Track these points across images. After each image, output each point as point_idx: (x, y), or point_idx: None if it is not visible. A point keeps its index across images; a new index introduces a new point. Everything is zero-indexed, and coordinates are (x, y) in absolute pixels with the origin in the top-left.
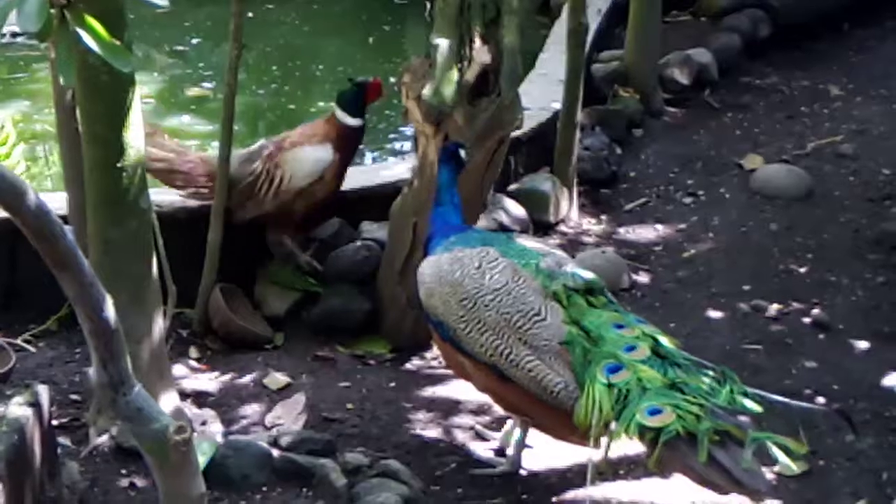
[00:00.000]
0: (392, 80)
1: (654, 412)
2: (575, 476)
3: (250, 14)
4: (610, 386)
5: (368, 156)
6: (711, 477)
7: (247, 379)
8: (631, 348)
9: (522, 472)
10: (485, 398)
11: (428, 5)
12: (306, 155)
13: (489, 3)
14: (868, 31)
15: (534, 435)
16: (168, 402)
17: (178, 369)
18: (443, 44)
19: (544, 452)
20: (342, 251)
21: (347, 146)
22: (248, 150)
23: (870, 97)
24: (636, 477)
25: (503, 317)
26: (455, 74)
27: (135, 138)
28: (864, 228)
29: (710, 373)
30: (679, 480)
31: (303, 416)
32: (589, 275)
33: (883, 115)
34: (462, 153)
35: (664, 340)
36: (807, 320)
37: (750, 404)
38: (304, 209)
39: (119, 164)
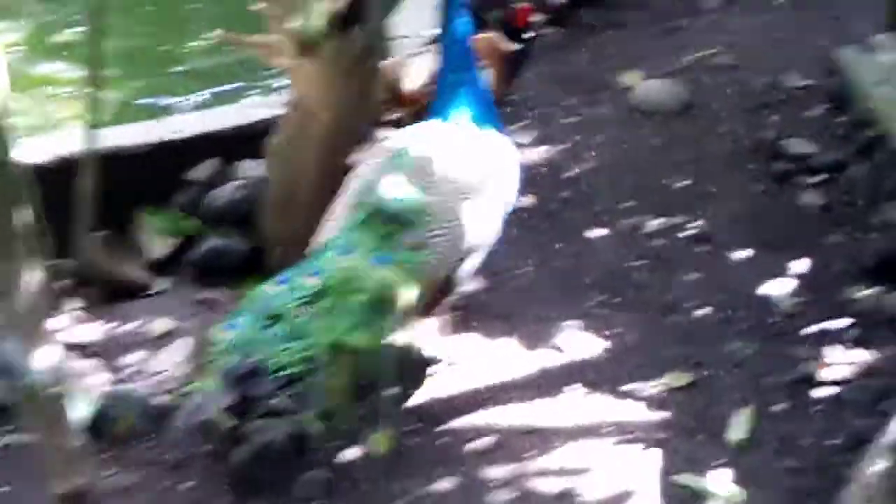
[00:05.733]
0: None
1: None
2: None
3: None
4: None
5: (246, 95)
6: None
7: (130, 327)
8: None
9: None
10: None
11: None
12: None
13: None
14: None
15: None
16: (48, 354)
17: (59, 321)
18: None
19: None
20: (220, 191)
21: (510, 68)
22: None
23: (744, 9)
24: (528, 400)
25: None
26: (323, 4)
27: None
28: (742, 139)
29: None
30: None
31: (187, 361)
32: (402, 203)
33: (757, 27)
34: None
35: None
36: (688, 234)
37: None
38: None
39: None
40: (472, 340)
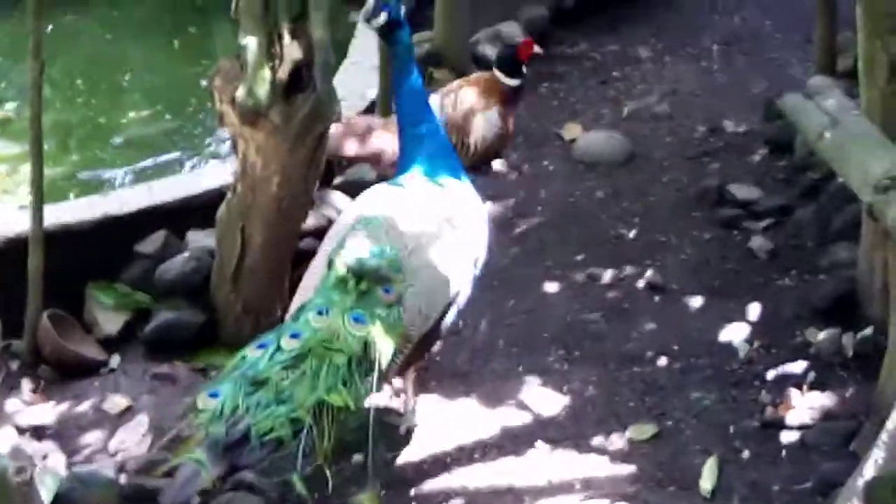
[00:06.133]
0: (203, 83)
1: None
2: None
3: (49, 27)
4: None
5: (187, 163)
6: None
7: (85, 406)
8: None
9: None
10: None
11: (232, 5)
12: (488, 119)
13: None
14: None
15: None
16: (4, 439)
17: (12, 404)
18: (251, 43)
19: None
20: (170, 264)
21: (512, 103)
22: None
23: (678, 57)
24: (493, 459)
25: None
26: (267, 73)
27: None
28: (687, 186)
29: None
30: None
31: (147, 438)
32: (376, 260)
33: (692, 74)
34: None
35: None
36: (641, 283)
37: None
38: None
39: None
40: (432, 401)
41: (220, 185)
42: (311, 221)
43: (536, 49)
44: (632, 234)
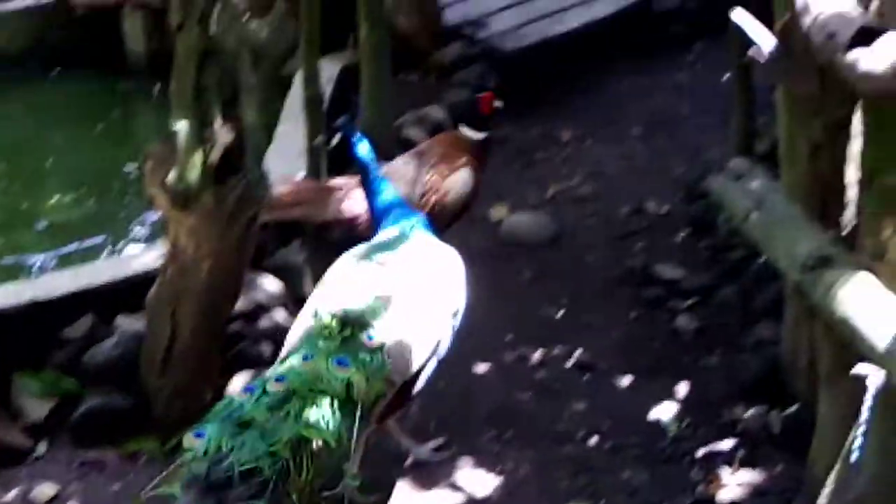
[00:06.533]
0: (126, 167)
1: None
2: None
3: None
4: None
5: (112, 247)
6: None
7: (11, 495)
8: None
9: None
10: None
11: (155, 89)
12: (461, 178)
13: (225, 83)
14: (591, 75)
15: None
16: None
17: None
18: (182, 128)
19: None
20: (98, 348)
21: (482, 156)
22: (403, 173)
23: (600, 139)
24: None
25: None
26: (199, 157)
27: None
28: (612, 266)
29: None
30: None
31: None
32: (351, 308)
33: (614, 156)
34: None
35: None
36: (570, 363)
37: None
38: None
39: None
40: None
41: (149, 269)
42: (240, 304)
43: (497, 103)
44: (560, 313)
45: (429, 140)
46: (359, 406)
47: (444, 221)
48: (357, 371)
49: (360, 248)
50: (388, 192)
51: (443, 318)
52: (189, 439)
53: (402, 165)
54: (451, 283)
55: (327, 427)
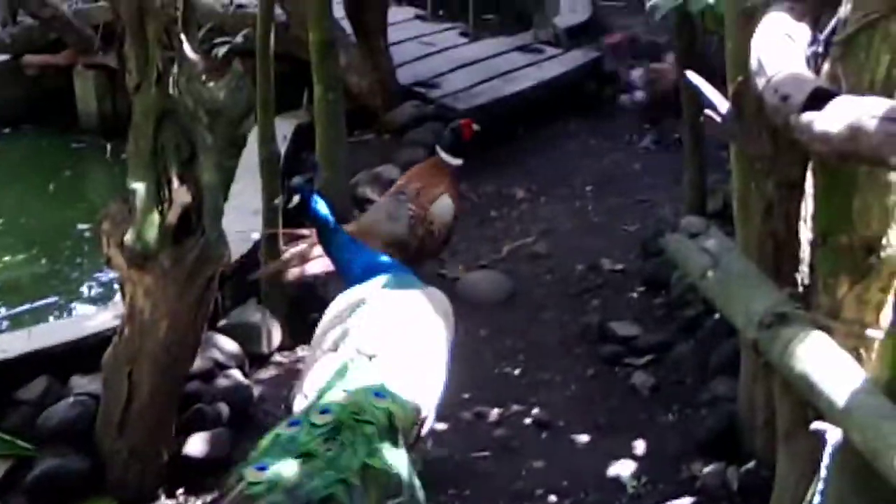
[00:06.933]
0: (79, 227)
1: None
2: None
3: None
4: None
5: (64, 308)
6: None
7: None
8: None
9: None
10: None
11: (107, 148)
12: (445, 203)
13: (183, 143)
14: (543, 132)
15: None
16: None
17: None
18: (140, 188)
19: None
20: (53, 410)
21: (457, 182)
22: (384, 211)
23: (553, 197)
24: None
25: None
26: (156, 217)
27: None
28: (568, 324)
29: None
30: None
31: None
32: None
33: (567, 214)
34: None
35: None
36: (528, 420)
37: None
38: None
39: None
40: None
41: (103, 329)
42: (197, 364)
43: (475, 127)
44: (516, 371)
45: (404, 175)
46: (399, 433)
47: (434, 249)
48: (394, 401)
49: (357, 289)
50: (354, 246)
51: (444, 351)
52: (252, 473)
53: (382, 204)
54: (445, 319)
55: (385, 454)
